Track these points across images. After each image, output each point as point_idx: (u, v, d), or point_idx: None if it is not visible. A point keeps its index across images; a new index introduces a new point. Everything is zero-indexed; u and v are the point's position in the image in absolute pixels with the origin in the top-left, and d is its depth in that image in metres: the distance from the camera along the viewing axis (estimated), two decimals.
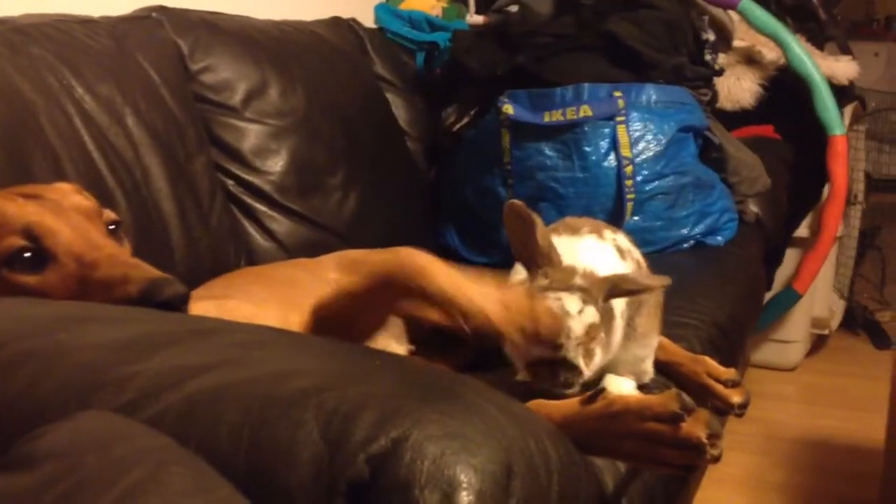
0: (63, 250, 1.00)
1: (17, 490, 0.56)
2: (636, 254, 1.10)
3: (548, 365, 0.94)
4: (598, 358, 0.96)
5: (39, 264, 0.99)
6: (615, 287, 0.96)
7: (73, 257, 1.00)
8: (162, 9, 1.77)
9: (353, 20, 2.39)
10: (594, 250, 1.04)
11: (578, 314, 0.93)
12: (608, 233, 1.09)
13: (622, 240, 1.09)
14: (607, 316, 0.98)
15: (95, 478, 0.56)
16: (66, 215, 1.03)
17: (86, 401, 0.67)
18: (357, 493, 0.59)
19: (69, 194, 1.08)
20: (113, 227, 1.09)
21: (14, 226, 0.99)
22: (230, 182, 1.79)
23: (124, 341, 0.76)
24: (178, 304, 0.95)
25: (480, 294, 0.85)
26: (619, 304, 1.02)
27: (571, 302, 0.93)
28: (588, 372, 0.95)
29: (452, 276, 0.86)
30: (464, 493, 0.58)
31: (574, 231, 1.06)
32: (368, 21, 2.51)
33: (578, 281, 0.95)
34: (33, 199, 1.04)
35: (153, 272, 0.98)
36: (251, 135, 1.83)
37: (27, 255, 0.98)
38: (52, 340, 0.76)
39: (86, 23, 1.58)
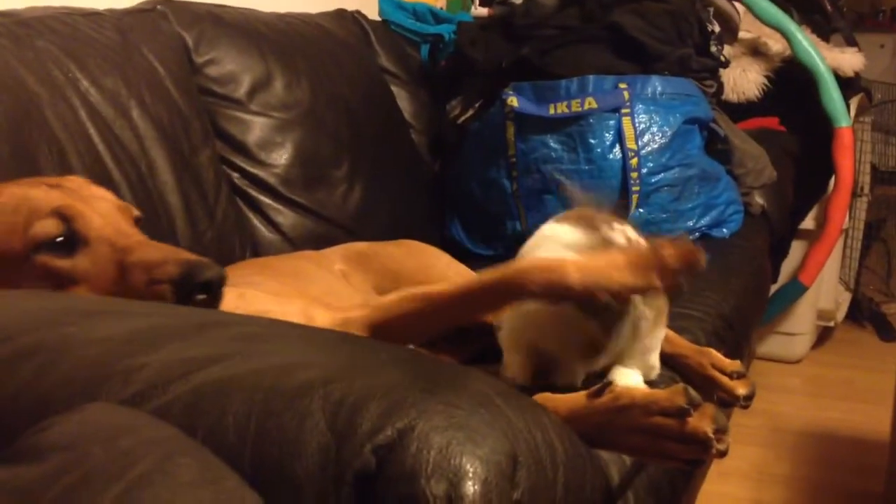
0: (95, 234, 1.00)
1: (24, 482, 0.56)
2: (643, 244, 1.10)
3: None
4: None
5: (70, 249, 0.98)
6: None
7: (105, 241, 1.00)
8: (167, 1, 1.77)
9: (358, 12, 2.38)
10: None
11: None
12: (617, 224, 1.09)
13: (630, 231, 1.10)
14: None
15: (102, 470, 0.56)
16: (92, 202, 1.03)
17: (92, 393, 0.67)
18: (363, 484, 0.59)
19: (87, 185, 1.09)
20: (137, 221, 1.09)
21: (43, 210, 0.99)
22: (235, 175, 1.79)
23: (131, 334, 0.76)
24: (217, 286, 0.95)
25: (598, 272, 0.89)
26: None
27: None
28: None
29: (578, 264, 0.90)
30: (469, 483, 0.58)
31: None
32: (373, 13, 2.51)
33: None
34: (56, 187, 1.04)
35: (191, 255, 0.98)
36: (256, 127, 1.83)
37: (59, 239, 0.98)
38: (60, 333, 0.76)
39: (90, 15, 1.58)
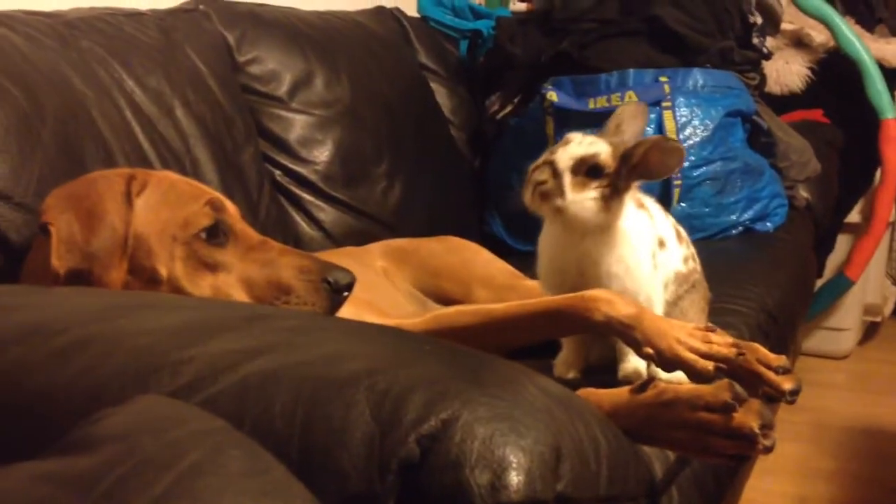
0: (238, 228, 1.06)
1: (77, 473, 0.57)
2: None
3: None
4: (593, 202, 1.01)
5: (219, 237, 1.04)
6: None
7: (244, 234, 1.06)
8: (209, 1, 1.79)
9: (397, 9, 2.39)
10: (661, 215, 1.13)
11: (575, 145, 1.02)
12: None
13: (672, 220, 1.13)
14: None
15: (153, 460, 0.57)
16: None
17: (143, 384, 0.69)
18: (408, 473, 0.59)
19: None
20: None
21: (200, 200, 1.05)
22: (277, 172, 1.80)
23: (181, 327, 0.77)
24: (352, 287, 1.04)
25: (655, 323, 0.93)
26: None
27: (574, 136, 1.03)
28: (570, 196, 1.01)
29: (645, 315, 0.93)
30: (513, 473, 0.59)
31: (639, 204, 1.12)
32: (412, 10, 2.51)
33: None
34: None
35: (320, 258, 1.07)
36: (297, 125, 1.85)
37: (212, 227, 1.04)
38: (112, 326, 0.78)
39: (134, 16, 1.60)
